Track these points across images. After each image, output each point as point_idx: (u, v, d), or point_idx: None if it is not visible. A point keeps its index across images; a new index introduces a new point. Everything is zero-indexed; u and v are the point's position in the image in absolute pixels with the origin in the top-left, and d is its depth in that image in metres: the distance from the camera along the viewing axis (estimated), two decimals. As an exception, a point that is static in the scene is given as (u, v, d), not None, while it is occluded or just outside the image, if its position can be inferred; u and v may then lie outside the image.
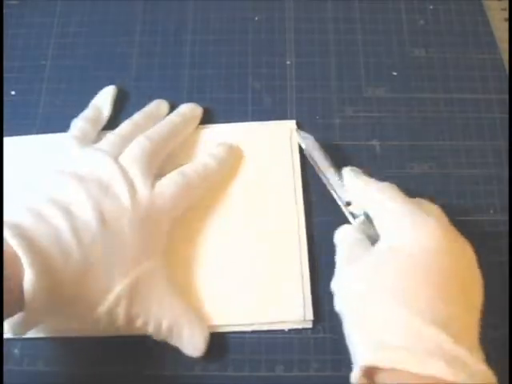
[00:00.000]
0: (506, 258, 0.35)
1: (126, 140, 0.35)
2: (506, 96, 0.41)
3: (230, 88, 0.41)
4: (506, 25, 0.44)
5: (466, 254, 0.28)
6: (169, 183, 0.33)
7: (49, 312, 0.29)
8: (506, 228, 0.36)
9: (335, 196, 0.35)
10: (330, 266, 0.35)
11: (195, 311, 0.33)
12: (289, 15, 0.44)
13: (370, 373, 0.26)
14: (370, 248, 0.31)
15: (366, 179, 0.33)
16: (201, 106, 0.40)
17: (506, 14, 0.44)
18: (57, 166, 0.33)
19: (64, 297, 0.28)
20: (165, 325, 0.31)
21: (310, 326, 0.33)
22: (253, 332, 0.33)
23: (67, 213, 0.29)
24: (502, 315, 0.32)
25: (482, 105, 0.40)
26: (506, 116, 0.40)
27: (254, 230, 0.36)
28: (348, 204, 0.34)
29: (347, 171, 0.35)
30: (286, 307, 0.34)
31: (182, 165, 0.35)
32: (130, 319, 0.30)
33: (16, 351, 0.33)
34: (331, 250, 0.35)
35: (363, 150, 0.39)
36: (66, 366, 0.33)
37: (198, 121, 0.39)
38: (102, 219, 0.30)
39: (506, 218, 0.37)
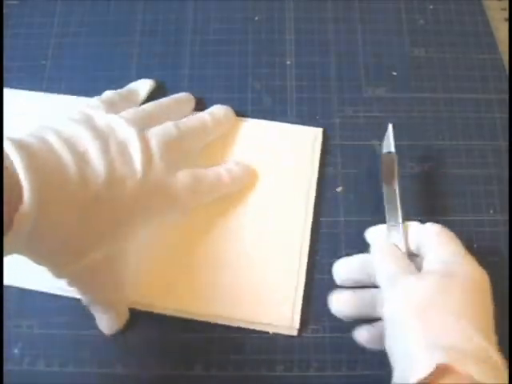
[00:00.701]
0: (506, 257, 0.35)
1: (151, 118, 0.34)
2: (506, 96, 0.41)
3: (230, 88, 0.41)
4: (506, 25, 0.44)
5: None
6: (180, 180, 0.33)
7: (28, 246, 0.27)
8: (506, 228, 0.36)
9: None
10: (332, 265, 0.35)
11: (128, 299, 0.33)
12: (289, 15, 0.44)
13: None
14: (415, 267, 0.31)
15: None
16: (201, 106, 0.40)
17: (506, 14, 0.44)
18: (76, 112, 0.32)
19: (47, 237, 0.27)
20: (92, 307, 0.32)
21: (295, 333, 0.33)
22: (253, 332, 0.34)
23: (78, 155, 0.28)
24: (502, 315, 0.32)
25: (481, 105, 0.40)
26: (506, 116, 0.40)
27: (258, 231, 0.36)
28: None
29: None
30: (275, 311, 0.34)
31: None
32: (81, 286, 0.31)
33: (16, 351, 0.33)
34: (335, 251, 0.35)
35: (363, 150, 0.39)
36: (66, 366, 0.33)
37: (229, 125, 0.39)
38: (112, 177, 0.29)
39: (506, 217, 0.37)
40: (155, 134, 0.32)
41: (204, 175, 0.34)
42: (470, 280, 0.29)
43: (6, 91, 0.40)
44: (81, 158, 0.28)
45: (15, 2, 0.45)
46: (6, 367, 0.33)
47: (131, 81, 0.41)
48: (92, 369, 0.33)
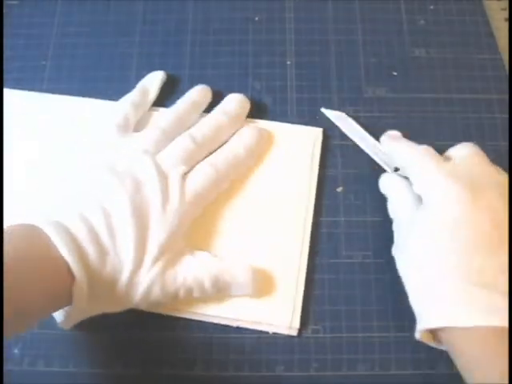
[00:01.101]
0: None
1: (169, 136, 0.35)
2: (506, 96, 0.41)
3: (230, 88, 0.41)
4: (506, 25, 0.44)
5: (489, 209, 0.30)
6: (199, 177, 0.34)
7: (90, 308, 0.30)
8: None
9: (382, 164, 0.37)
10: (334, 265, 0.35)
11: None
12: (289, 15, 0.44)
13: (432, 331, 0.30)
14: (418, 210, 0.32)
15: (402, 142, 0.36)
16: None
17: (506, 14, 0.44)
18: (99, 158, 0.34)
19: (102, 295, 0.30)
20: (207, 284, 0.32)
21: (295, 333, 0.33)
22: (253, 332, 0.34)
23: (108, 217, 0.30)
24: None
25: (482, 105, 0.40)
26: (506, 116, 0.40)
27: (258, 231, 0.36)
28: (396, 170, 0.36)
29: (385, 137, 0.37)
30: (275, 311, 0.34)
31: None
32: (171, 297, 0.32)
33: (16, 351, 0.33)
34: (335, 251, 0.35)
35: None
36: (66, 366, 0.33)
37: (243, 118, 0.38)
38: (136, 220, 0.31)
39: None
40: (172, 159, 0.34)
41: (219, 160, 0.35)
42: (442, 219, 0.30)
43: (6, 91, 0.40)
44: (112, 219, 0.31)
45: (15, 2, 0.45)
46: (6, 367, 0.33)
47: (131, 81, 0.41)
48: (92, 369, 0.33)
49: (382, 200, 0.37)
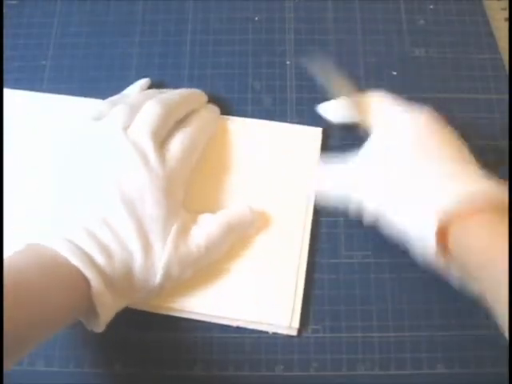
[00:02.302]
0: (505, 257, 0.35)
1: (137, 108, 0.35)
2: (506, 96, 0.41)
3: (230, 88, 0.41)
4: (506, 25, 0.44)
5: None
6: (176, 143, 0.34)
7: (116, 305, 0.30)
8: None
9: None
10: (333, 264, 0.35)
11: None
12: (289, 15, 0.44)
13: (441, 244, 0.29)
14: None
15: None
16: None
17: (506, 14, 0.44)
18: (77, 147, 0.35)
19: (123, 289, 0.30)
20: (220, 238, 0.33)
21: (294, 333, 0.33)
22: (253, 332, 0.34)
23: (104, 216, 0.31)
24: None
25: (481, 105, 0.40)
26: (506, 116, 0.40)
27: (258, 228, 0.36)
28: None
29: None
30: (275, 311, 0.34)
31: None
32: (192, 269, 0.33)
33: (16, 351, 0.33)
34: (335, 251, 0.35)
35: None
36: (66, 366, 0.33)
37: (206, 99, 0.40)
38: (130, 211, 0.31)
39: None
40: (142, 128, 0.33)
41: (190, 127, 0.36)
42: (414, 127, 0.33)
43: (6, 91, 0.40)
44: (111, 225, 0.31)
45: (15, 2, 0.45)
46: (6, 367, 0.33)
47: (131, 81, 0.41)
48: (92, 369, 0.33)
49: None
